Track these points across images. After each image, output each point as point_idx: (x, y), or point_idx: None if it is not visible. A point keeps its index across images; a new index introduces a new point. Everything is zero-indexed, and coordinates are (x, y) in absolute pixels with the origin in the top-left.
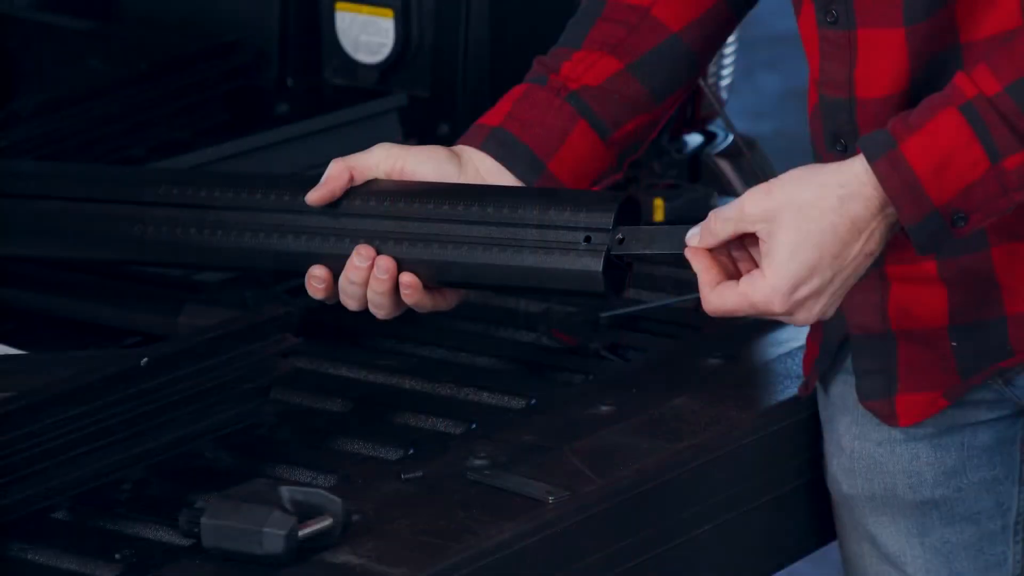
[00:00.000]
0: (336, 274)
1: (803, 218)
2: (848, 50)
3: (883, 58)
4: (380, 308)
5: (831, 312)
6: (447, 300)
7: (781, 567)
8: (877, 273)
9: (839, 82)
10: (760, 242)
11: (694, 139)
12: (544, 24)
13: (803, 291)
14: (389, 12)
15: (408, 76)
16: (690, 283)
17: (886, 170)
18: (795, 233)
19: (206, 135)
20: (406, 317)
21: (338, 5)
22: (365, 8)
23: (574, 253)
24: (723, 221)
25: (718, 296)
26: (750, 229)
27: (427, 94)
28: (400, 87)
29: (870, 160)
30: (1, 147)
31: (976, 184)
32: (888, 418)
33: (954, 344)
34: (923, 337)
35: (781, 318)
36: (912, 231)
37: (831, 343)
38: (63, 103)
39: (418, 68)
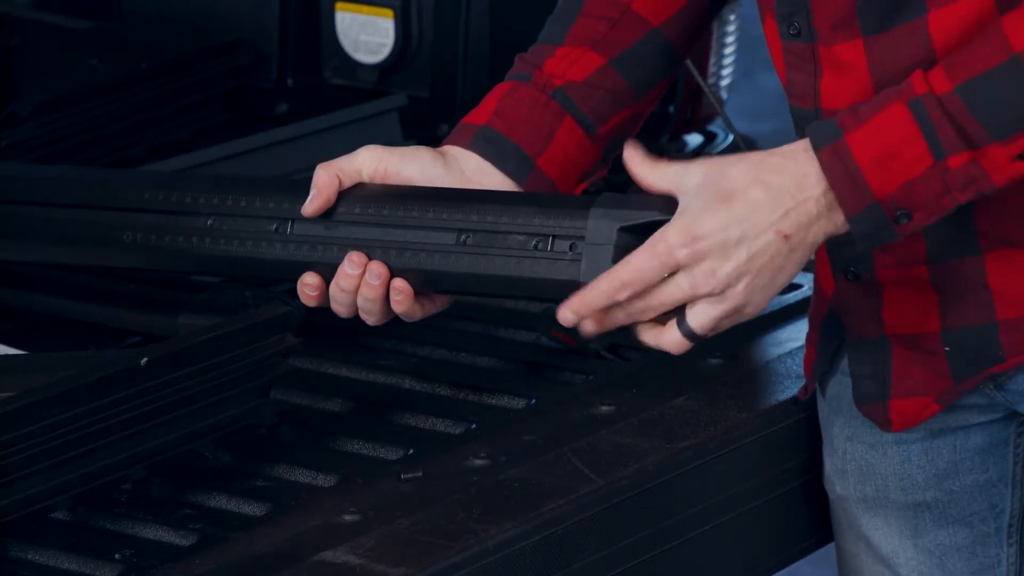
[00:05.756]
0: (328, 280)
1: (717, 175)
2: (811, 62)
3: (846, 71)
4: (370, 315)
5: (738, 292)
6: (436, 305)
7: (781, 567)
8: (871, 278)
9: (804, 94)
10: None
11: (694, 139)
12: (543, 24)
13: (706, 243)
14: (389, 12)
15: (408, 76)
16: None
17: (829, 159)
18: (705, 188)
19: (206, 135)
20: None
21: (338, 5)
22: (365, 8)
23: (561, 263)
24: (660, 173)
25: (626, 262)
26: (684, 186)
27: (427, 94)
28: (400, 87)
29: (816, 148)
30: (1, 147)
31: (918, 180)
32: (883, 424)
33: (947, 349)
34: (916, 342)
35: (682, 282)
36: (853, 222)
37: (828, 346)
38: (63, 103)
39: (418, 68)
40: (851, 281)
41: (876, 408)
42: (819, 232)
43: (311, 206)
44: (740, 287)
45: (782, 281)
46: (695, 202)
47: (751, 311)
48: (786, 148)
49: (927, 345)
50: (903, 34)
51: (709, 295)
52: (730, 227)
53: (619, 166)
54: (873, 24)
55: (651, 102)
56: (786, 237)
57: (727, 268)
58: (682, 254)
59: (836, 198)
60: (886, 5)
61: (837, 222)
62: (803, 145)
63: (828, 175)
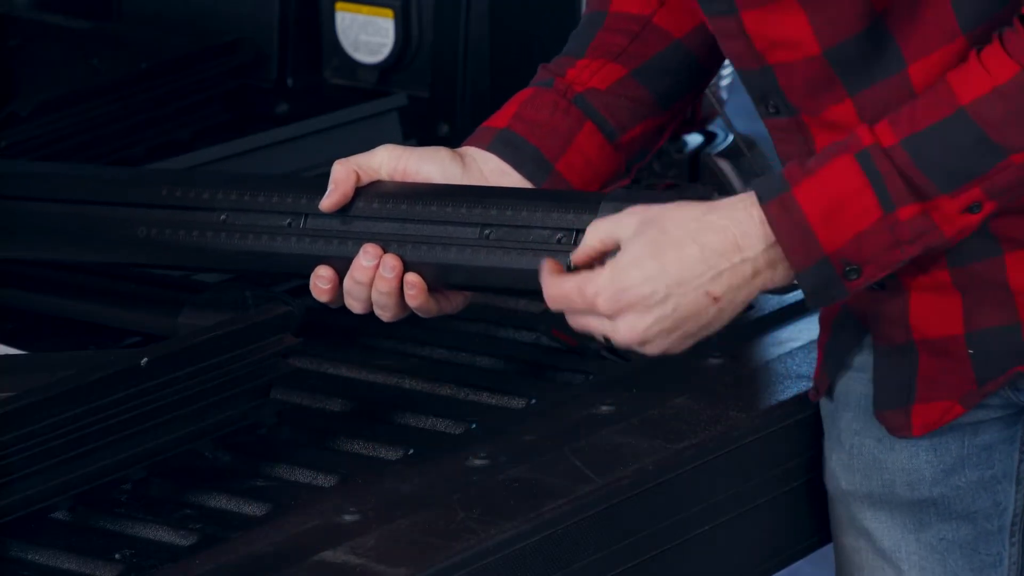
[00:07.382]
0: (342, 276)
1: (653, 225)
2: (798, 133)
3: (840, 130)
4: (385, 309)
5: (656, 344)
6: (452, 303)
7: (781, 567)
8: (896, 284)
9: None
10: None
11: (694, 139)
12: (544, 24)
13: (630, 296)
14: (389, 12)
15: (408, 76)
16: None
17: (777, 212)
18: (640, 237)
19: (206, 135)
20: (406, 317)
21: (338, 5)
22: (365, 8)
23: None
24: (596, 229)
25: (557, 282)
26: (620, 236)
27: (427, 94)
28: (400, 87)
29: (762, 201)
30: (1, 147)
31: (867, 232)
32: (901, 428)
33: (971, 351)
34: (942, 346)
35: (605, 326)
36: (801, 277)
37: (840, 347)
38: (63, 103)
39: (418, 68)
40: (877, 289)
41: (895, 413)
42: (753, 290)
43: (328, 200)
44: (659, 341)
45: (706, 335)
46: (628, 251)
47: (671, 353)
48: (729, 202)
49: (952, 348)
50: (888, 87)
51: (628, 345)
52: (657, 282)
53: (639, 176)
54: (856, 81)
55: (676, 114)
56: (716, 299)
57: (647, 322)
58: (604, 304)
59: (782, 252)
60: (862, 62)
61: (777, 278)
62: (747, 201)
63: (775, 229)
